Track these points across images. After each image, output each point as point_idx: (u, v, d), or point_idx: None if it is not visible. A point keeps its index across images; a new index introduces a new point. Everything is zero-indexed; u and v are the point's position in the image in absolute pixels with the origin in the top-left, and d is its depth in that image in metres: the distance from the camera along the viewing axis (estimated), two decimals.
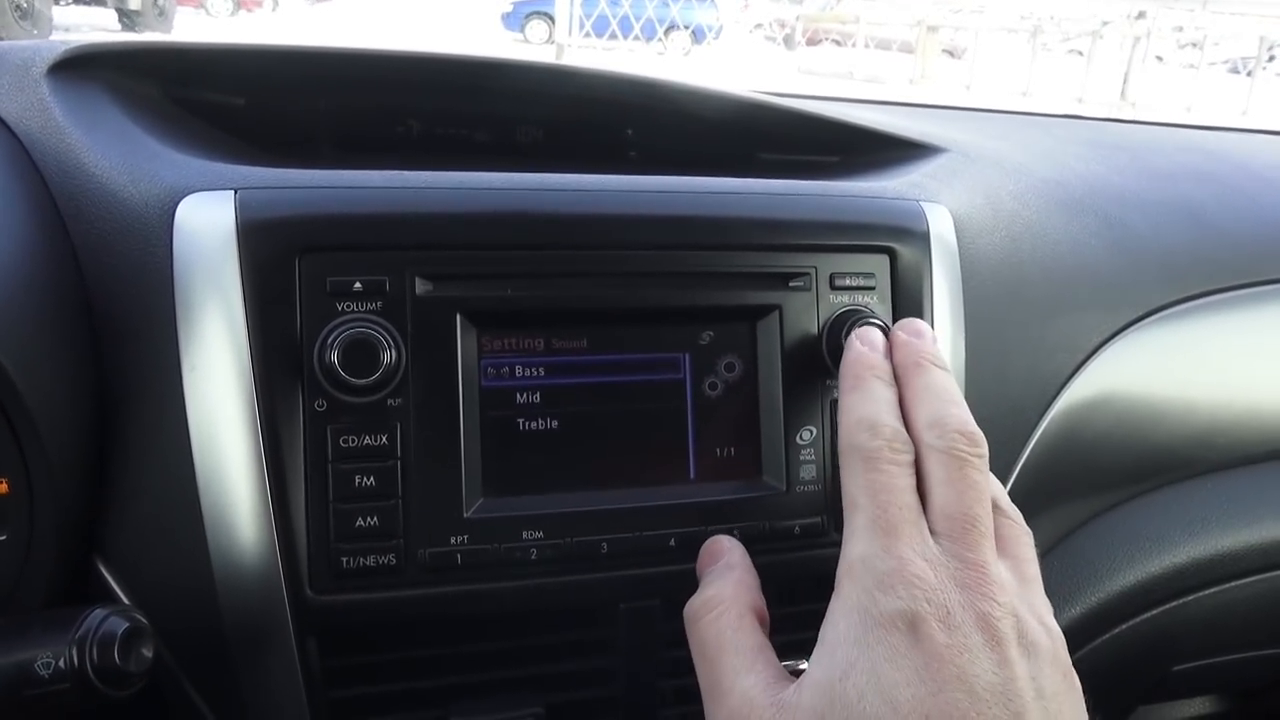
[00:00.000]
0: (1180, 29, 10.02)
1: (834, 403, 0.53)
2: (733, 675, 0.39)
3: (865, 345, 0.46)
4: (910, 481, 0.40)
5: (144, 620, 0.39)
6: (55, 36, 0.58)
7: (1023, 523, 0.43)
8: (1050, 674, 0.37)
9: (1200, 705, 0.93)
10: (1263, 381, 0.75)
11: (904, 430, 0.42)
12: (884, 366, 0.45)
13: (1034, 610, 0.38)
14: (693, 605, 0.43)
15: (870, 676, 0.35)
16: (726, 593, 0.43)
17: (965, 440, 0.40)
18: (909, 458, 0.41)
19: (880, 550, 0.38)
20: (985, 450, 0.41)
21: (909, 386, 0.44)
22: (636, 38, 9.22)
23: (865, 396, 0.43)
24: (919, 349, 0.45)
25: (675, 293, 0.51)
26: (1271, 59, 10.05)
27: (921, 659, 0.35)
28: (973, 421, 0.42)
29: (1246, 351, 0.74)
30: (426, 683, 0.49)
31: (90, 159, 0.50)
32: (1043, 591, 0.41)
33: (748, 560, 0.45)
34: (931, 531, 0.39)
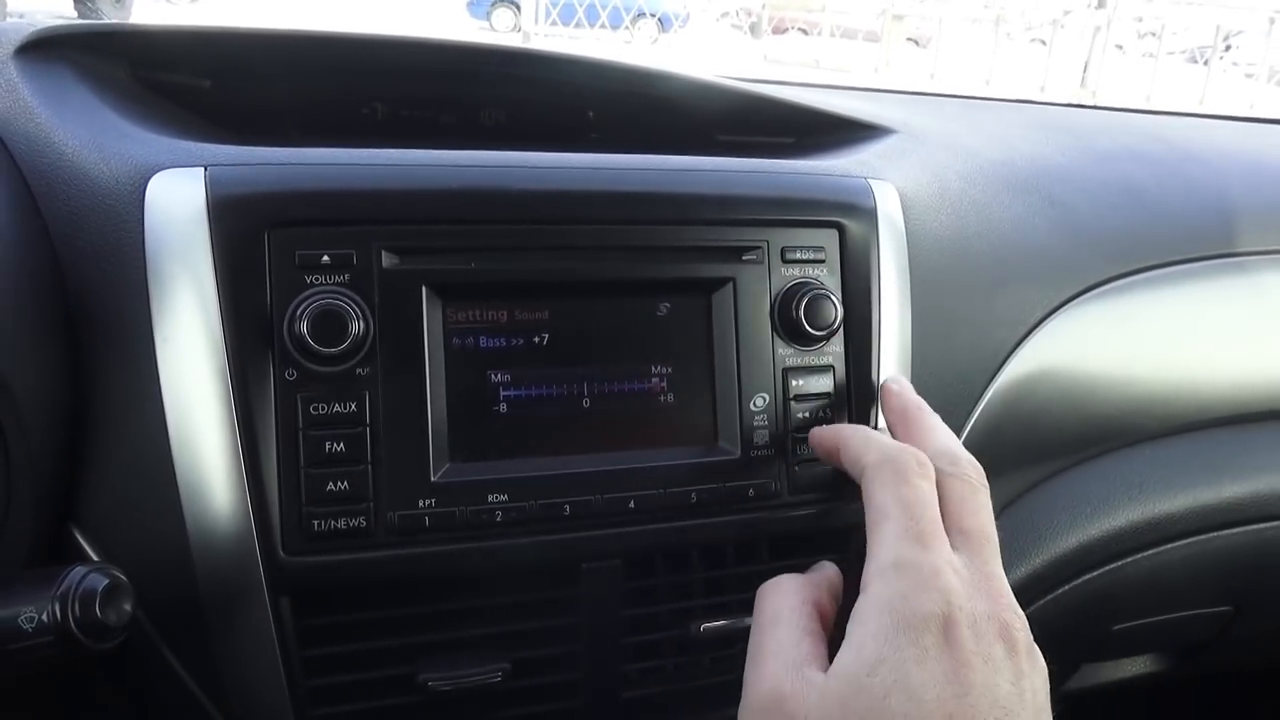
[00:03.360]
0: (1140, 19, 10.16)
1: (785, 371, 0.55)
2: (776, 645, 0.42)
3: (902, 386, 0.53)
4: (936, 498, 0.43)
5: (123, 577, 0.41)
6: (9, 20, 0.59)
7: None
8: (1042, 686, 0.40)
9: (1141, 664, 0.97)
10: (1197, 353, 0.78)
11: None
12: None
13: None
14: (765, 584, 0.46)
15: (898, 674, 0.37)
16: (799, 580, 0.46)
17: (975, 470, 0.45)
18: (934, 478, 0.44)
19: (914, 556, 0.40)
20: (986, 483, 0.46)
21: (912, 424, 0.50)
22: (603, 26, 9.20)
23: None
24: (911, 398, 0.52)
25: (634, 266, 0.53)
26: (1228, 49, 10.23)
27: (951, 663, 0.37)
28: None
29: (1181, 325, 0.77)
30: (396, 640, 0.51)
31: (60, 138, 0.51)
32: None
33: (832, 571, 0.48)
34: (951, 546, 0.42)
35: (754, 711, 0.40)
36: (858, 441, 0.47)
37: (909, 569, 0.40)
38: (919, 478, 0.43)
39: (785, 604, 0.44)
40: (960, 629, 0.38)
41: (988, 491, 0.45)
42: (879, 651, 0.38)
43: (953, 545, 0.42)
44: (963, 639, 0.38)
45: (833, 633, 0.44)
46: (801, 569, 0.55)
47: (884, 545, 0.41)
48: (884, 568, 0.41)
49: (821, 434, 0.53)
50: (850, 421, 0.57)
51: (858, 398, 0.57)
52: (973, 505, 0.44)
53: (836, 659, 0.39)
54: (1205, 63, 9.29)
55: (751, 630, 0.44)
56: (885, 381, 0.55)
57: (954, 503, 0.44)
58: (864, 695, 0.37)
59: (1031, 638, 0.41)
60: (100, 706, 0.56)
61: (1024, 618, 0.41)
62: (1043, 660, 0.41)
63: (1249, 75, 9.76)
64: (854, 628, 0.40)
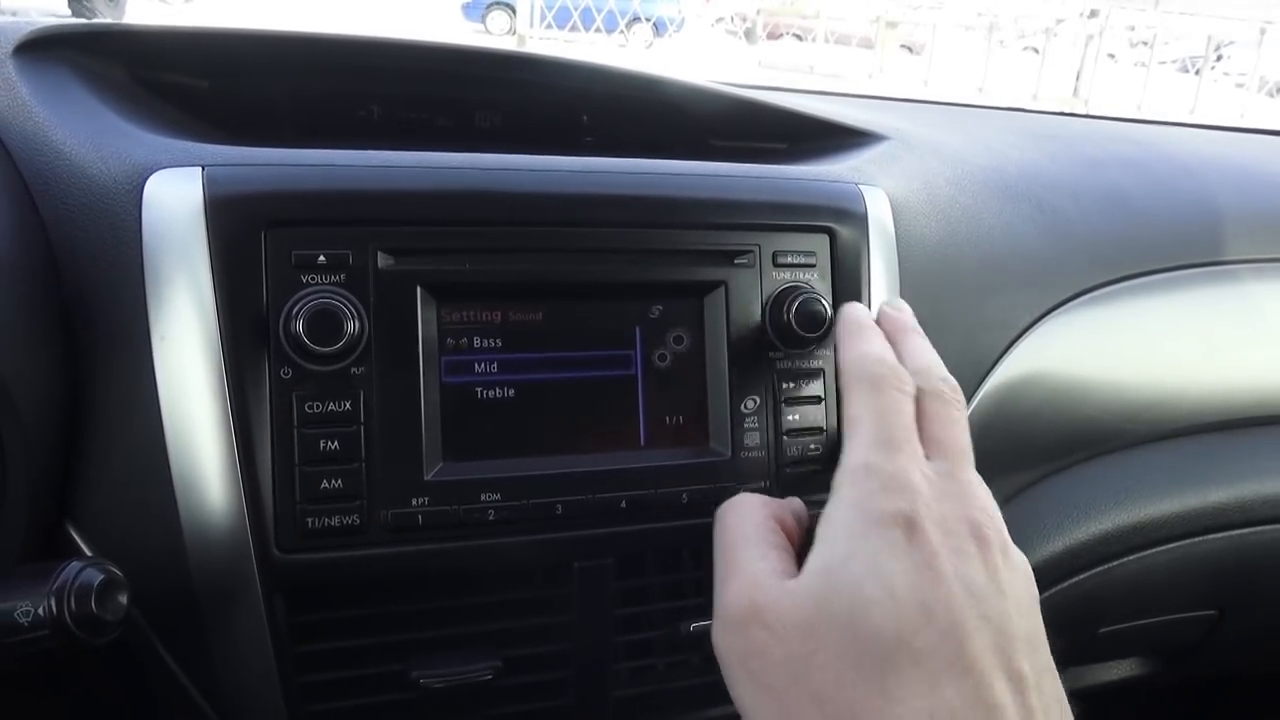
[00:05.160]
0: (1132, 28, 10.23)
1: (777, 374, 0.56)
2: (745, 560, 0.42)
3: (858, 310, 0.51)
4: (913, 409, 0.44)
5: (118, 572, 0.41)
6: (5, 19, 0.59)
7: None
8: (1024, 583, 0.40)
9: (1128, 667, 0.98)
10: (1184, 360, 0.79)
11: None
12: (876, 326, 0.50)
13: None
14: (722, 504, 0.46)
15: (870, 565, 0.37)
16: (758, 498, 0.46)
17: (950, 387, 0.46)
18: (912, 390, 0.45)
19: (882, 460, 0.41)
20: (964, 400, 0.46)
21: (899, 345, 0.49)
22: (598, 30, 9.21)
23: (870, 337, 0.48)
24: (904, 320, 0.51)
25: (627, 268, 0.54)
26: (1219, 59, 10.30)
27: (920, 555, 0.37)
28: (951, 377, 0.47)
29: (1168, 331, 0.78)
30: (389, 638, 0.51)
31: (58, 137, 0.51)
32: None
33: (798, 500, 0.48)
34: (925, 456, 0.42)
35: (729, 627, 0.40)
36: (847, 351, 0.48)
37: (877, 471, 0.40)
38: (894, 389, 0.44)
39: (749, 520, 0.44)
40: (925, 525, 0.38)
41: (963, 409, 0.46)
42: (850, 546, 0.38)
43: (926, 455, 0.42)
44: (928, 535, 0.38)
45: (798, 552, 0.44)
46: None
47: (854, 450, 0.42)
48: (853, 470, 0.41)
49: (844, 319, 0.51)
50: (840, 424, 0.57)
51: None
52: (946, 419, 0.44)
53: (808, 560, 0.39)
54: (1197, 72, 9.36)
55: (715, 550, 0.44)
56: (883, 305, 0.53)
57: (928, 417, 0.44)
58: (838, 589, 0.37)
59: (1007, 538, 0.41)
60: (93, 704, 0.56)
61: (999, 520, 0.41)
62: (1023, 559, 0.41)
63: (1239, 85, 9.83)
64: (824, 529, 0.40)
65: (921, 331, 0.51)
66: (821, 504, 0.56)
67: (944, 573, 0.37)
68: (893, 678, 0.35)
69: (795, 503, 0.47)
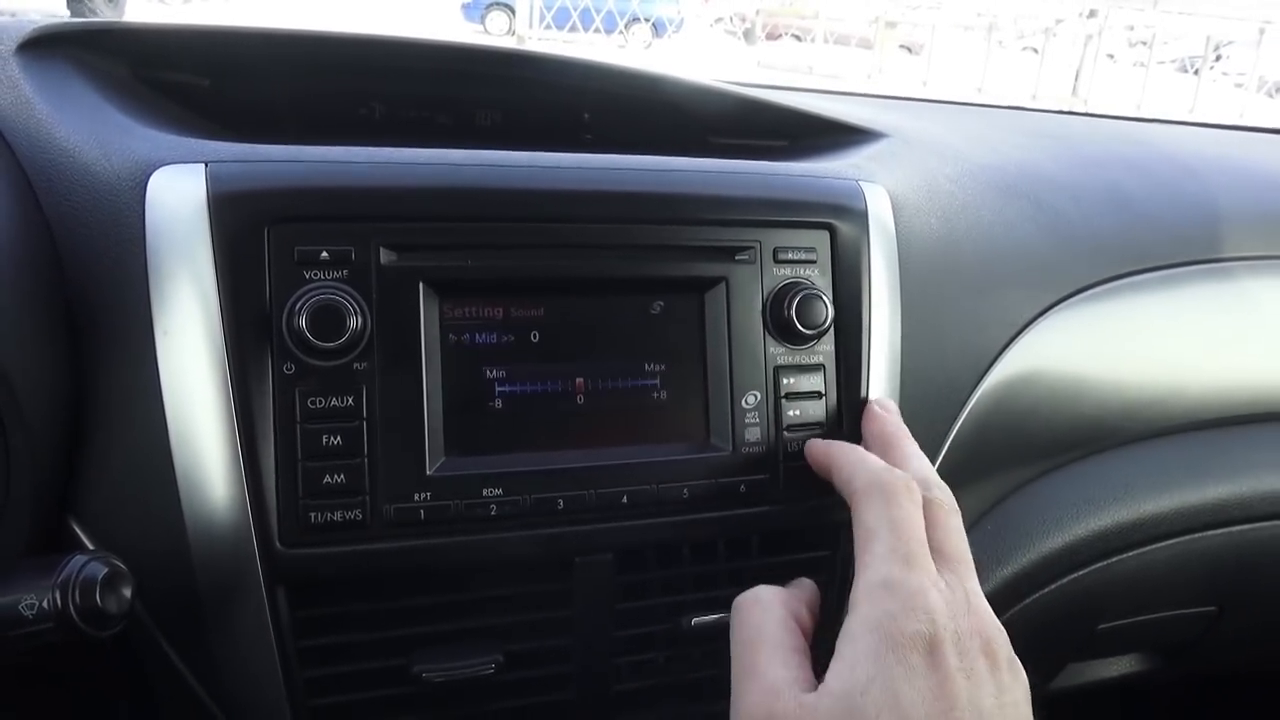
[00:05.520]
0: (1131, 28, 10.24)
1: (776, 369, 0.56)
2: (766, 664, 0.42)
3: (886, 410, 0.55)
4: (923, 522, 0.45)
5: (122, 565, 0.41)
6: (9, 18, 0.60)
7: None
8: (1024, 699, 0.41)
9: (1126, 663, 0.98)
10: (1182, 356, 0.79)
11: None
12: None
13: None
14: (743, 597, 0.47)
15: (888, 693, 0.38)
16: (780, 594, 0.46)
17: (948, 496, 0.48)
18: (920, 501, 0.46)
19: (901, 576, 0.41)
20: (958, 507, 0.48)
21: (897, 449, 0.51)
22: (597, 30, 9.22)
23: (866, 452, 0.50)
24: (894, 422, 0.54)
25: (628, 264, 0.54)
26: (1218, 59, 10.30)
27: (936, 680, 0.38)
28: None
29: (1167, 328, 0.78)
30: (391, 632, 0.51)
31: (61, 133, 0.51)
32: None
33: (810, 585, 0.50)
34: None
35: None
36: (850, 462, 0.49)
37: (897, 589, 0.41)
38: (908, 501, 0.45)
39: (769, 619, 0.45)
40: (945, 646, 0.39)
41: (959, 516, 0.47)
42: (869, 670, 0.39)
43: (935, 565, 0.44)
44: (947, 656, 0.39)
45: (812, 648, 0.45)
46: (791, 565, 0.56)
47: (872, 565, 0.43)
48: (872, 587, 0.42)
49: (815, 449, 0.54)
50: (840, 419, 0.58)
51: (847, 396, 0.58)
52: (949, 528, 0.46)
53: (827, 678, 0.40)
54: (1195, 72, 9.36)
55: (734, 645, 0.45)
56: (870, 403, 0.56)
57: (933, 527, 0.45)
58: (856, 715, 0.38)
59: (1012, 650, 0.42)
60: (96, 698, 0.56)
61: (1004, 632, 0.42)
62: (1024, 672, 0.43)
63: (1238, 85, 9.83)
64: (844, 647, 0.40)
65: (910, 435, 0.53)
66: (824, 509, 0.57)
67: (957, 699, 0.38)
68: None
69: (809, 590, 0.48)
